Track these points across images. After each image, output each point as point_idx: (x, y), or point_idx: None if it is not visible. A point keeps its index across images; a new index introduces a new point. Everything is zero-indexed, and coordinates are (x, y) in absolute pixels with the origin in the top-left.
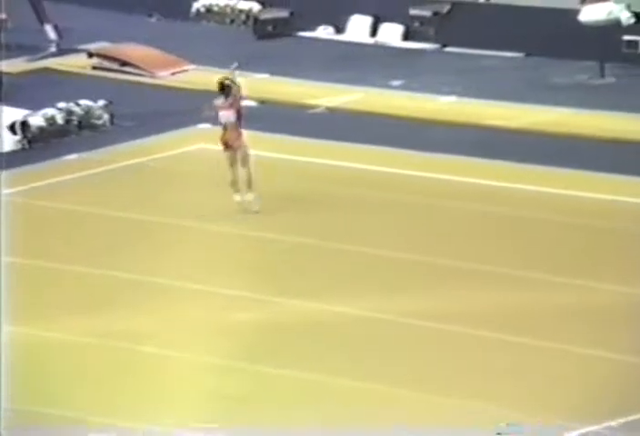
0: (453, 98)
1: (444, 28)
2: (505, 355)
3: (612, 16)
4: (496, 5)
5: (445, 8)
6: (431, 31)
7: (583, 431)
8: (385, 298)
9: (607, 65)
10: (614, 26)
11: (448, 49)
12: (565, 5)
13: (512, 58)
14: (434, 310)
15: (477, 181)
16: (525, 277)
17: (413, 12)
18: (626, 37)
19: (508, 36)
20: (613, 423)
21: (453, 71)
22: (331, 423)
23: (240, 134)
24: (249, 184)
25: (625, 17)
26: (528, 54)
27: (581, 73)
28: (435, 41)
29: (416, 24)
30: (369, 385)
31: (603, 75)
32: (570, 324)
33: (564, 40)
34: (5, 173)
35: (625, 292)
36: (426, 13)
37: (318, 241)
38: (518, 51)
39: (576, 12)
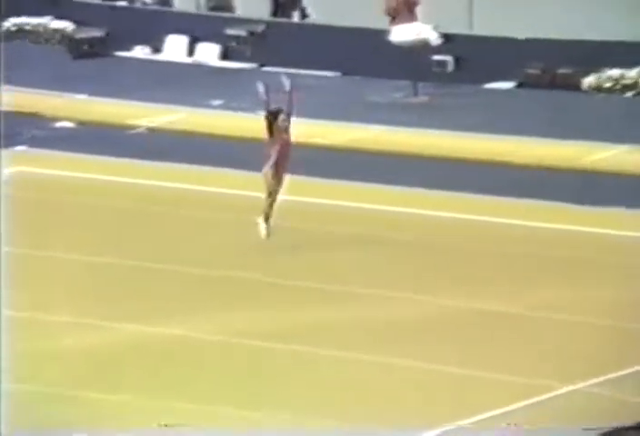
0: None
1: (260, 48)
2: (340, 371)
3: (421, 37)
4: (311, 25)
5: (260, 28)
6: (248, 50)
7: None
8: (213, 318)
9: (420, 84)
10: (423, 46)
11: (266, 68)
12: (379, 26)
13: (329, 77)
14: (264, 328)
15: (291, 197)
16: (350, 292)
17: (229, 31)
18: (436, 57)
19: (324, 56)
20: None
21: (271, 90)
22: None
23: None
24: None
25: (434, 37)
26: (345, 74)
27: (396, 91)
28: (253, 60)
29: (233, 43)
30: (200, 407)
31: (416, 94)
32: (397, 337)
33: (378, 60)
34: None
35: (447, 304)
36: (242, 32)
37: (133, 261)
38: (335, 70)
39: (389, 32)
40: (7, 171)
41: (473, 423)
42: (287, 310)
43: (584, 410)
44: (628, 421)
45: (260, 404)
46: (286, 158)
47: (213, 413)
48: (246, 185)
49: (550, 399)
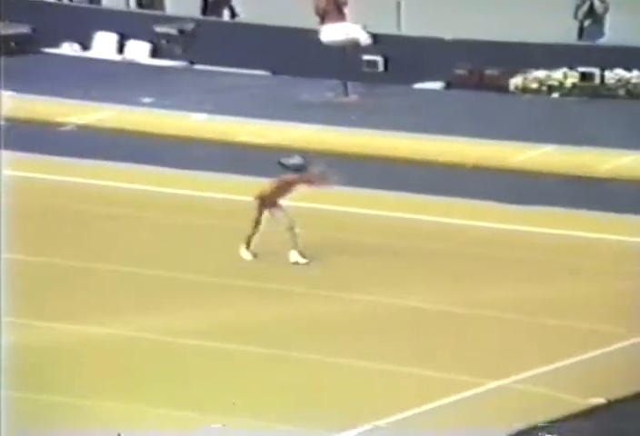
0: (204, 116)
1: (191, 46)
2: (268, 369)
3: (350, 36)
4: (242, 24)
5: (190, 26)
6: (178, 48)
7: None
8: (143, 316)
9: (351, 84)
10: (353, 46)
11: (197, 67)
12: (309, 25)
13: (259, 76)
14: (195, 327)
15: (230, 196)
16: (285, 291)
17: (158, 29)
18: (366, 57)
19: (255, 55)
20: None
21: (202, 88)
22: None
23: None
24: None
25: (363, 37)
26: (275, 73)
27: (327, 91)
28: (183, 58)
29: (163, 41)
30: (130, 406)
31: (347, 94)
32: (329, 335)
33: (308, 59)
34: None
35: (380, 302)
36: (172, 30)
37: (66, 261)
38: (265, 69)
39: (319, 32)
40: None
41: (392, 423)
42: (223, 309)
43: (511, 406)
44: (555, 416)
45: (190, 405)
46: (282, 192)
47: (148, 413)
48: (175, 183)
49: (478, 394)
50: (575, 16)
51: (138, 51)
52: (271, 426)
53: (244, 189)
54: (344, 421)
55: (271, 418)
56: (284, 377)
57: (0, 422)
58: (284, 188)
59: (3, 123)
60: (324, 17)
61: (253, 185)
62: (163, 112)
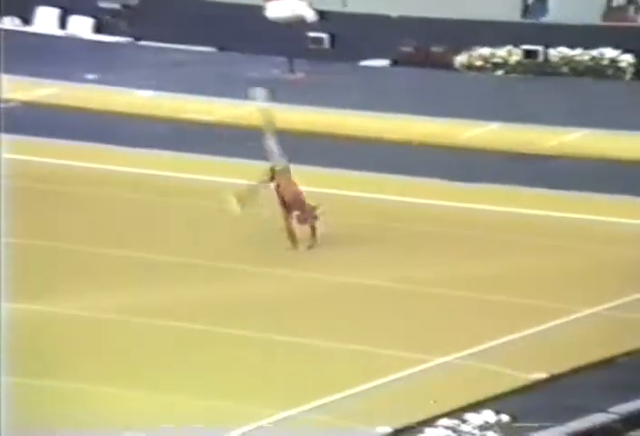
0: (150, 92)
1: (135, 22)
2: (214, 347)
3: (296, 13)
4: (187, 0)
5: (135, 1)
6: (122, 24)
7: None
8: (100, 296)
9: (296, 61)
10: (299, 23)
11: (142, 43)
12: (255, 2)
13: (205, 53)
14: (150, 305)
15: (177, 174)
16: (234, 269)
17: (102, 4)
18: (312, 34)
19: (201, 31)
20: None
21: (148, 65)
22: None
23: None
24: None
25: (309, 14)
26: (221, 49)
27: (273, 68)
28: (128, 34)
29: (107, 16)
30: (87, 386)
31: (293, 71)
32: (276, 313)
33: (255, 36)
34: None
35: (325, 279)
36: (116, 5)
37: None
38: (211, 46)
39: (265, 8)
40: None
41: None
42: (175, 288)
43: (456, 382)
44: (499, 391)
45: (136, 383)
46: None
47: (102, 394)
48: (120, 161)
49: (423, 370)
50: None
51: (81, 26)
52: (215, 404)
53: (189, 166)
54: (289, 398)
55: (215, 396)
56: (229, 355)
57: None
58: None
59: None
60: None
61: (198, 163)
62: (107, 88)
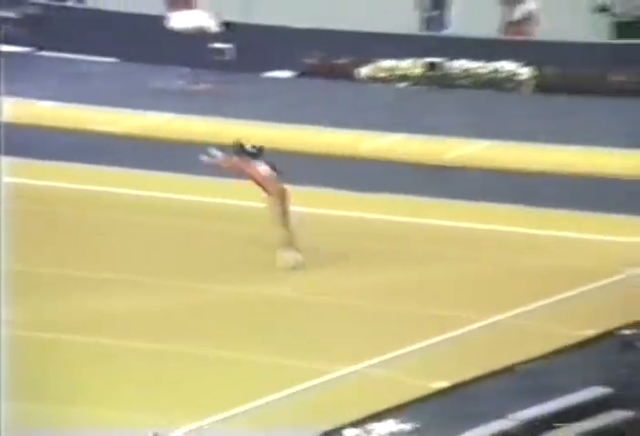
0: (51, 103)
1: (37, 31)
2: (123, 360)
3: (200, 24)
4: (90, 10)
5: (35, 11)
6: (23, 34)
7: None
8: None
9: (201, 72)
10: (203, 34)
11: (43, 53)
12: (158, 12)
13: (108, 63)
14: (55, 319)
15: (84, 187)
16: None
17: (1, 13)
18: (216, 45)
19: (104, 41)
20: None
21: (50, 75)
22: None
23: None
24: None
25: (213, 25)
26: (125, 60)
27: (177, 79)
28: (29, 44)
29: (7, 26)
30: None
31: (197, 82)
32: (181, 325)
33: (158, 46)
34: None
35: (227, 291)
36: (16, 15)
37: None
38: (115, 56)
39: (168, 19)
40: None
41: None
42: (71, 300)
43: (359, 391)
44: (402, 400)
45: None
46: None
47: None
48: (23, 173)
49: (328, 381)
50: (421, 7)
51: None
52: (122, 415)
53: (94, 178)
54: (193, 410)
55: (122, 407)
56: (136, 368)
57: None
58: None
59: None
60: (172, 4)
61: (104, 175)
62: (6, 99)
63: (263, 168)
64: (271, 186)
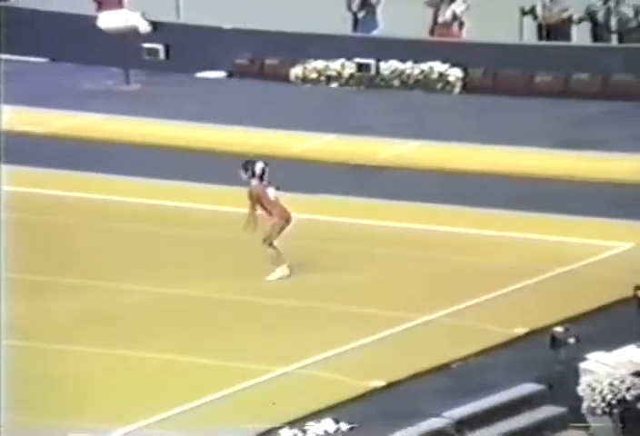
0: None
1: None
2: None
3: (130, 24)
4: (17, 9)
5: None
6: None
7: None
8: None
9: (132, 72)
10: (133, 34)
11: None
12: (88, 12)
13: (37, 63)
14: None
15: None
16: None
17: None
18: (146, 45)
19: (32, 41)
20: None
21: None
22: None
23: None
24: None
25: (143, 25)
26: (53, 60)
27: (108, 79)
28: None
29: None
30: None
31: (128, 82)
32: (107, 327)
33: (88, 46)
34: None
35: (151, 291)
36: None
37: None
38: (43, 56)
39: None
40: None
41: (158, 422)
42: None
43: (295, 391)
44: (338, 400)
45: None
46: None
47: None
48: None
49: (264, 381)
50: (349, 8)
51: None
52: (50, 421)
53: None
54: (123, 413)
55: (52, 412)
56: (65, 370)
57: None
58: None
59: None
60: (101, 4)
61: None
62: None
63: (271, 191)
64: (276, 209)
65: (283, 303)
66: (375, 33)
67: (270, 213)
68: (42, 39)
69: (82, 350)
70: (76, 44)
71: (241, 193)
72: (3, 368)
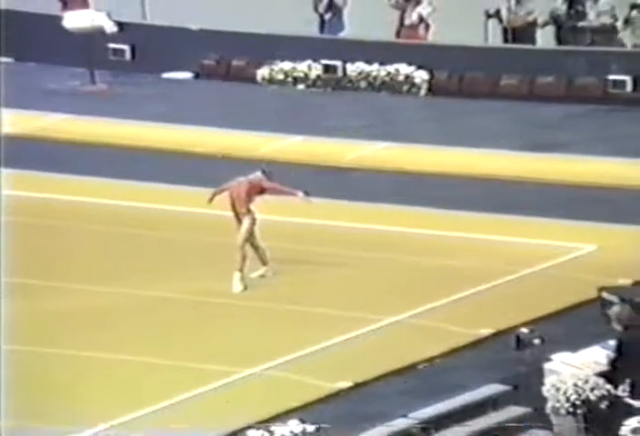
0: None
1: None
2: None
3: (95, 24)
4: None
5: None
6: None
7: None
8: None
9: (97, 72)
10: (98, 34)
11: None
12: (52, 11)
13: (3, 63)
14: None
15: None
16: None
17: None
18: (112, 45)
19: None
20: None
21: None
22: None
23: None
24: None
25: (108, 25)
26: (17, 60)
27: (73, 79)
28: None
29: None
30: None
31: (94, 82)
32: (77, 329)
33: (52, 46)
34: None
35: (115, 292)
36: None
37: None
38: (7, 56)
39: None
40: None
41: (126, 422)
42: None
43: (261, 392)
44: (304, 401)
45: None
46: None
47: None
48: None
49: (228, 383)
50: (316, 9)
51: None
52: (20, 423)
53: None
54: (85, 415)
55: (22, 415)
56: (33, 373)
57: None
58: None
59: None
60: (66, 3)
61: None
62: None
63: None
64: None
65: (250, 305)
66: (341, 34)
67: (247, 214)
68: (6, 38)
69: (58, 352)
70: (41, 43)
71: (205, 194)
72: None
